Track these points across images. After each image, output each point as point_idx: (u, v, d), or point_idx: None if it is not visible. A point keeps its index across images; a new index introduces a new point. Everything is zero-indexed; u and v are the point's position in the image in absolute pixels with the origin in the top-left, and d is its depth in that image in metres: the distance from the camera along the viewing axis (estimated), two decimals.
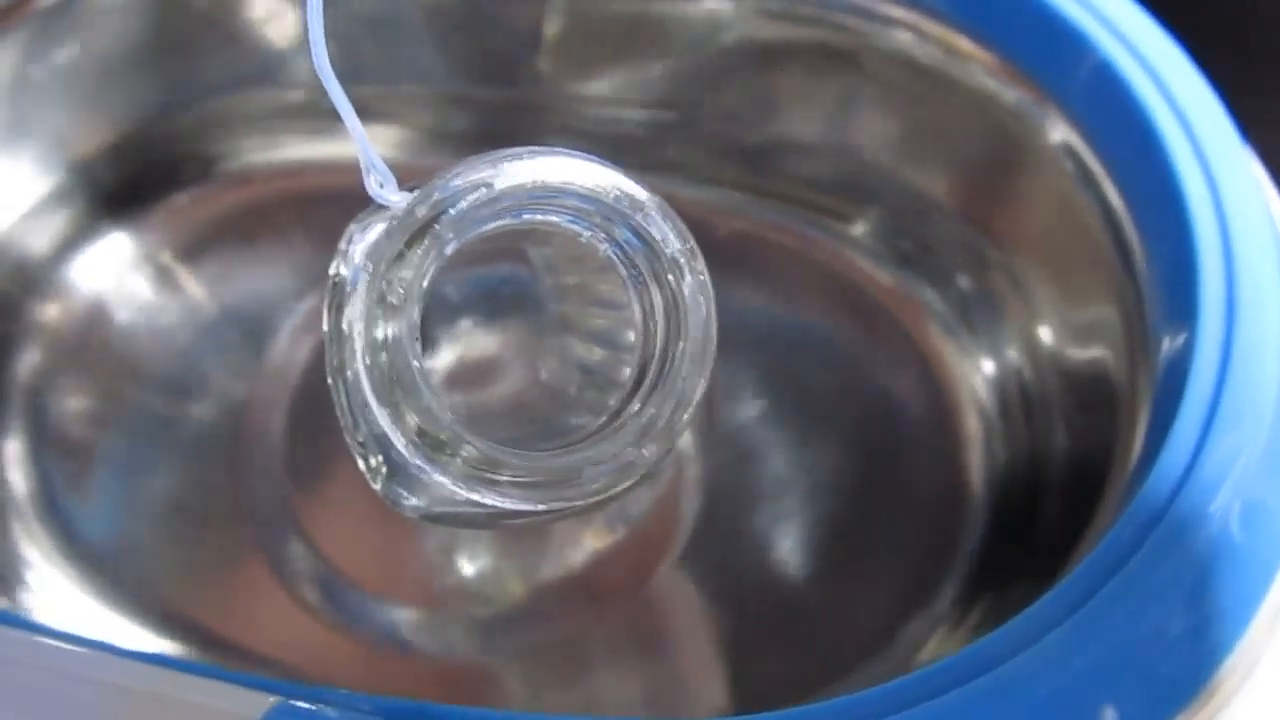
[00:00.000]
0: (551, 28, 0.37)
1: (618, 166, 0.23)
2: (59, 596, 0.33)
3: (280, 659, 0.33)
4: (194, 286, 0.38)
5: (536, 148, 0.22)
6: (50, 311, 0.37)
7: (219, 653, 0.33)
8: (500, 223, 0.23)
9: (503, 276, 0.34)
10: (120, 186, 0.38)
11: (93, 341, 0.37)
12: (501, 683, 0.33)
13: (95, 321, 0.37)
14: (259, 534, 0.34)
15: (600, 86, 0.38)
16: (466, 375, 0.35)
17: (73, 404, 0.36)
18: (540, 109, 0.39)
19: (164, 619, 0.33)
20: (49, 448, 0.35)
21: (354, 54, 0.38)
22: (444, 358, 0.35)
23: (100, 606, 0.33)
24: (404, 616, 0.33)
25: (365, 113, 0.38)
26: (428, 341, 0.34)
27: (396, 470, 0.24)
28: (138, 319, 0.37)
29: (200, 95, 0.38)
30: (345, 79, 0.38)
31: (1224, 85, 0.30)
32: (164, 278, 0.38)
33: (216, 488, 0.35)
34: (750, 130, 0.38)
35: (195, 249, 0.38)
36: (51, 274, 0.37)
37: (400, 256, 0.22)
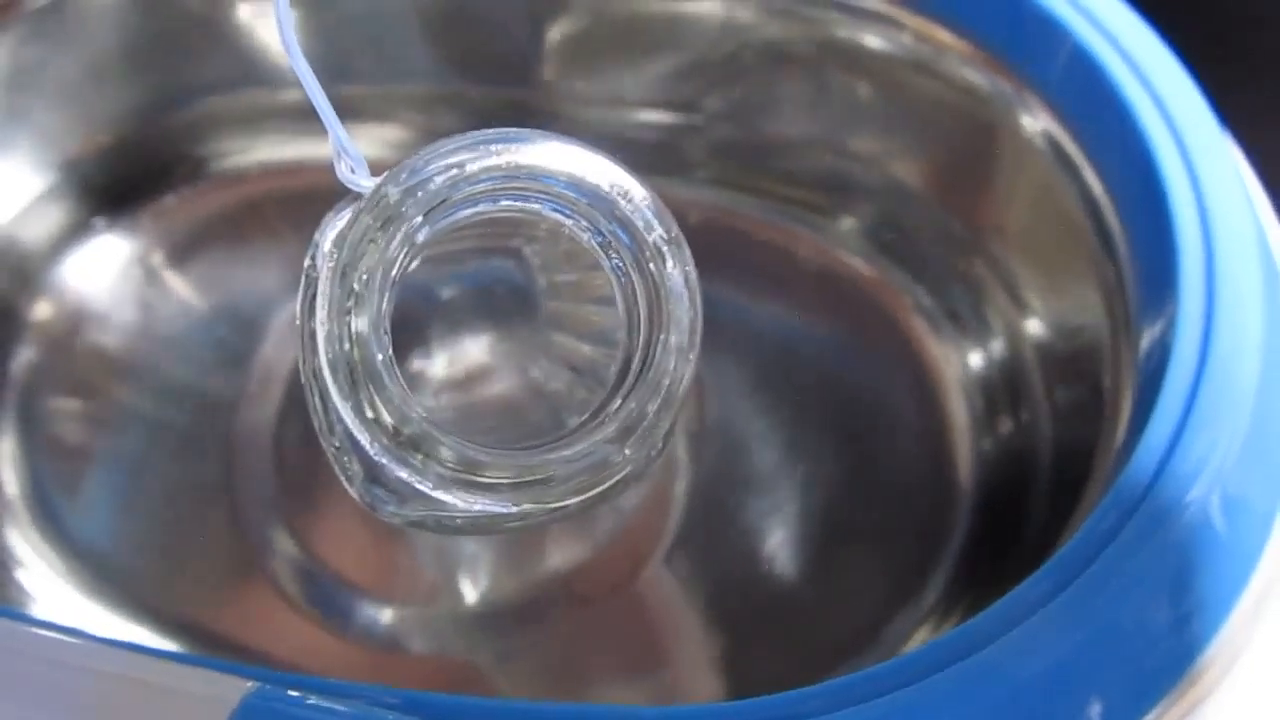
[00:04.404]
0: (548, 26, 0.37)
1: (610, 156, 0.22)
2: (51, 595, 0.33)
3: (271, 656, 0.33)
4: (185, 286, 0.38)
5: (518, 130, 0.22)
6: (42, 311, 0.37)
7: (209, 650, 0.33)
8: (476, 209, 0.22)
9: (497, 273, 0.34)
10: (112, 186, 0.38)
11: (85, 341, 0.37)
12: (491, 679, 0.33)
13: (87, 321, 0.37)
14: (250, 532, 0.34)
15: (596, 86, 0.38)
16: (459, 374, 0.35)
17: (64, 403, 0.36)
18: (536, 109, 0.39)
19: (155, 617, 0.33)
20: (41, 446, 0.35)
21: (347, 53, 0.38)
22: (436, 356, 0.35)
23: (92, 605, 0.33)
24: (394, 614, 0.33)
25: (360, 112, 0.38)
26: (419, 339, 0.34)
27: (372, 473, 0.23)
28: (130, 318, 0.37)
29: (191, 95, 0.38)
30: (339, 78, 0.38)
31: (1207, 82, 0.29)
32: (155, 277, 0.38)
33: (207, 486, 0.35)
34: (740, 129, 0.38)
35: (187, 248, 0.38)
36: (44, 273, 0.37)
37: (370, 241, 0.21)
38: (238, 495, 0.35)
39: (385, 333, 0.21)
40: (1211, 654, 0.23)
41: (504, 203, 0.22)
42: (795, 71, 0.36)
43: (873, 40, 0.34)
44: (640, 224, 0.22)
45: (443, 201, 0.21)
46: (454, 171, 0.21)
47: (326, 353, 0.21)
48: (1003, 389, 0.35)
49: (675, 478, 0.35)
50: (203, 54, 0.38)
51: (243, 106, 0.39)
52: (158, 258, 0.38)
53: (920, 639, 0.32)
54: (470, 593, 0.34)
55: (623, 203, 0.22)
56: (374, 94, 0.39)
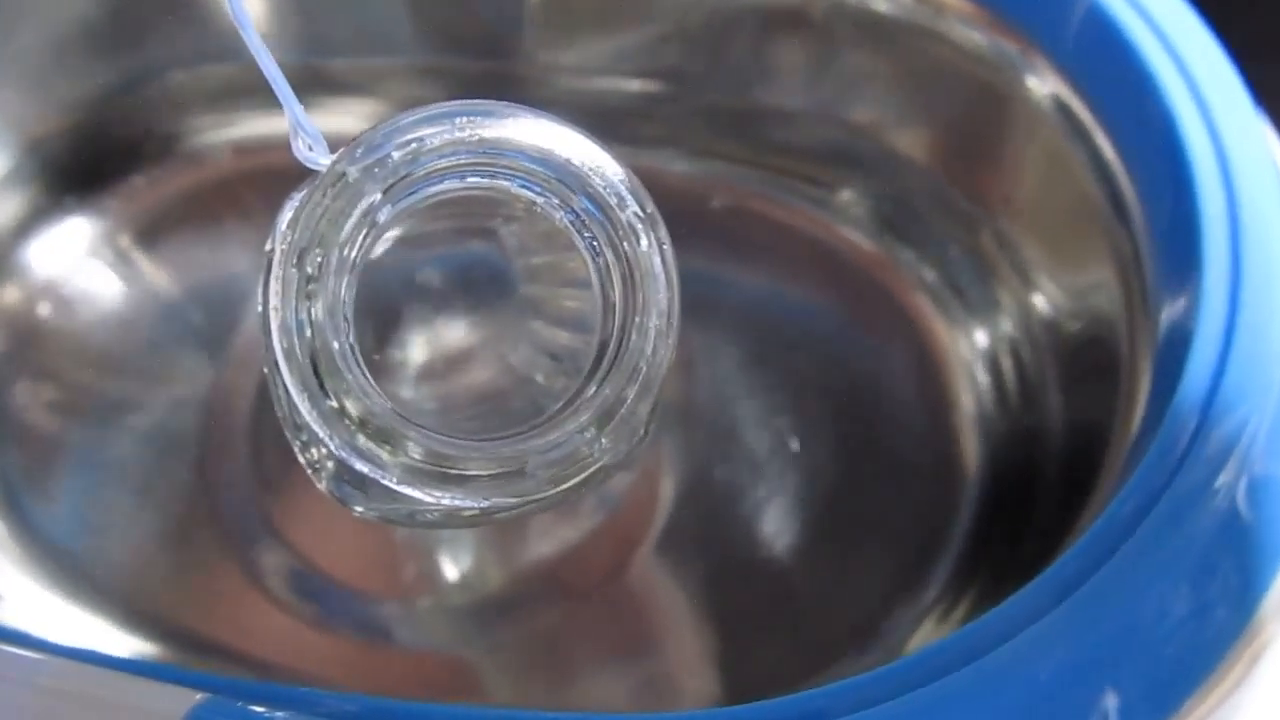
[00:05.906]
0: None
1: (590, 133, 0.22)
2: (19, 593, 0.32)
3: (250, 652, 0.32)
4: (155, 269, 0.37)
5: (486, 102, 0.21)
6: (7, 296, 0.36)
7: (185, 647, 0.32)
8: (441, 186, 0.21)
9: (474, 257, 0.34)
10: (77, 167, 0.37)
11: (52, 327, 0.36)
12: (478, 673, 0.32)
13: (54, 306, 0.36)
14: (227, 525, 0.34)
15: (582, 55, 0.38)
16: (434, 363, 0.34)
17: (31, 392, 0.35)
18: (520, 80, 0.38)
19: (130, 614, 0.32)
20: (6, 437, 0.34)
21: (326, 26, 0.37)
22: (416, 344, 0.34)
23: (63, 601, 0.32)
24: (378, 608, 0.33)
25: (340, 86, 0.38)
26: (393, 326, 0.34)
27: (339, 469, 0.23)
28: (98, 303, 0.37)
29: (157, 72, 0.38)
30: (318, 52, 0.37)
31: (1233, 45, 0.29)
32: (124, 260, 0.37)
33: (182, 477, 0.34)
34: (732, 99, 0.37)
35: (156, 230, 0.38)
36: (8, 258, 0.36)
37: (327, 222, 0.20)
38: (213, 485, 0.34)
39: (345, 319, 0.20)
40: (1238, 649, 0.22)
41: (471, 180, 0.21)
42: (789, 37, 0.36)
43: (870, 1, 0.34)
44: (613, 200, 0.22)
45: (403, 178, 0.21)
46: (413, 145, 0.21)
47: (281, 342, 0.20)
48: (1011, 369, 0.35)
49: (665, 464, 0.34)
50: (169, 28, 0.37)
51: (212, 82, 0.38)
52: (126, 240, 0.38)
53: (923, 633, 0.32)
54: (456, 584, 0.34)
55: (595, 178, 0.21)
56: (354, 67, 0.38)
